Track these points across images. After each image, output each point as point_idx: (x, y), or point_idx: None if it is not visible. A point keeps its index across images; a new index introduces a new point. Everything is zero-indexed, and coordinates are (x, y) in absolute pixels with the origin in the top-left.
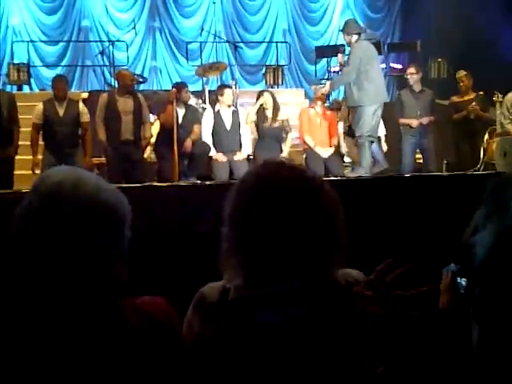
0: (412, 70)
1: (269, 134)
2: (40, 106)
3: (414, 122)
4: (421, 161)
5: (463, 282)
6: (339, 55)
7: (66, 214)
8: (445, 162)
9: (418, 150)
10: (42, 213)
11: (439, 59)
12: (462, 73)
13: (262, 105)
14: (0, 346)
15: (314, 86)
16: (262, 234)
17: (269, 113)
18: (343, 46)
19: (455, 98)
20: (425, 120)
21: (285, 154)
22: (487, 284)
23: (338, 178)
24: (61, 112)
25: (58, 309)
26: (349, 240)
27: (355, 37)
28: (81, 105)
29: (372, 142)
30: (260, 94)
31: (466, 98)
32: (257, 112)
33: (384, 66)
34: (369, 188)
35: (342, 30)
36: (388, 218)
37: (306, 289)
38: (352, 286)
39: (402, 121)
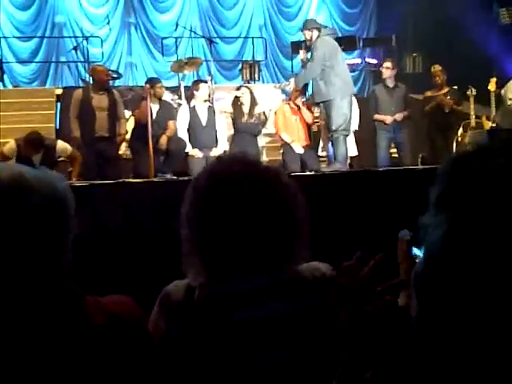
0: (387, 64)
1: (245, 129)
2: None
3: (388, 119)
4: (396, 155)
5: (418, 252)
6: (301, 52)
7: (30, 207)
8: (420, 155)
9: (393, 145)
10: None
11: (414, 54)
12: (437, 67)
13: (238, 99)
14: None
15: (279, 85)
16: (219, 231)
17: (245, 108)
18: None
19: (429, 93)
20: (398, 116)
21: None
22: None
23: (313, 172)
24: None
25: (14, 309)
26: (322, 234)
27: (316, 33)
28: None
29: (346, 135)
30: (238, 89)
31: (440, 92)
32: (232, 105)
33: (359, 60)
34: (344, 182)
35: (301, 29)
36: (362, 211)
37: (275, 285)
38: (319, 281)
39: (377, 117)
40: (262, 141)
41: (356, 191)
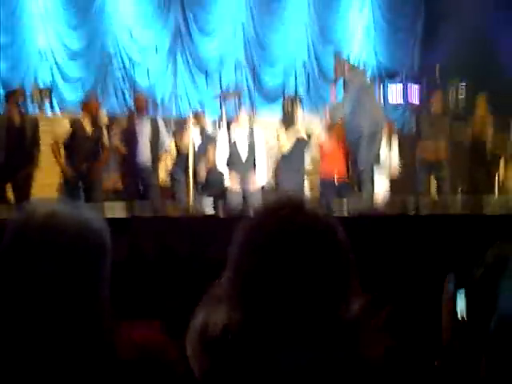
0: (434, 100)
1: (288, 158)
2: (66, 124)
3: (431, 153)
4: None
5: (462, 301)
6: (332, 87)
7: (62, 247)
8: (459, 189)
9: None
10: (13, 249)
11: (458, 83)
12: (480, 97)
13: (279, 129)
14: None
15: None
16: (263, 278)
17: (286, 138)
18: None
19: (472, 123)
20: (443, 152)
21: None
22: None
23: (351, 215)
24: (87, 131)
25: (48, 344)
26: (362, 278)
27: (347, 69)
28: (103, 125)
29: (372, 170)
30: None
31: (483, 122)
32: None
33: (402, 94)
34: (381, 226)
35: (333, 65)
36: (398, 256)
37: (316, 332)
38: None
39: (419, 150)
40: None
41: (395, 235)
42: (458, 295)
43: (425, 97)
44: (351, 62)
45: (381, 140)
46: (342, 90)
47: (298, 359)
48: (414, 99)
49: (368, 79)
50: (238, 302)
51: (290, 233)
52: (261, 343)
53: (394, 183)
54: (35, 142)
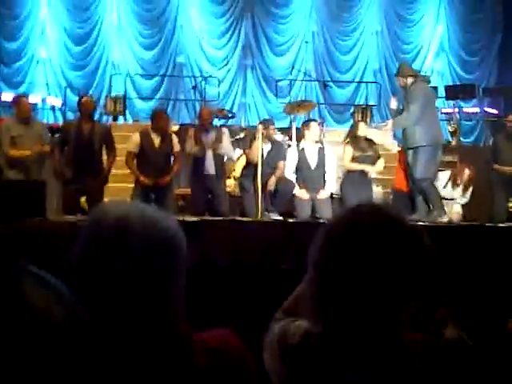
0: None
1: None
2: (137, 136)
3: (508, 169)
4: None
5: None
6: (392, 99)
7: (135, 249)
8: None
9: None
10: (109, 248)
11: None
12: None
13: (350, 139)
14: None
15: (375, 125)
16: (347, 282)
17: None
18: (435, 87)
19: None
20: None
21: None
22: None
23: (427, 223)
24: (156, 144)
25: (124, 349)
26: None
27: (410, 79)
28: (174, 136)
29: (432, 182)
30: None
31: None
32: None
33: (478, 110)
34: (458, 236)
35: (396, 75)
36: (476, 268)
37: (390, 350)
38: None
39: (496, 167)
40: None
41: (469, 246)
42: None
43: (502, 112)
44: (415, 72)
45: (440, 156)
46: (409, 98)
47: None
48: (491, 112)
49: (432, 91)
50: (318, 312)
51: (378, 239)
52: (338, 355)
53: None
54: (107, 151)
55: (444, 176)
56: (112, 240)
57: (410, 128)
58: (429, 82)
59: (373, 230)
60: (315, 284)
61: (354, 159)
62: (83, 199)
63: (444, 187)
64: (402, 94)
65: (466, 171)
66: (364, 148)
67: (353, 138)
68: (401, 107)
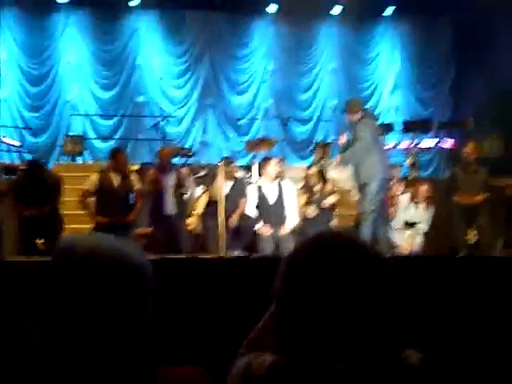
0: (468, 149)
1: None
2: (95, 176)
3: (468, 200)
4: (474, 238)
5: None
6: (340, 136)
7: (104, 280)
8: (501, 240)
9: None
10: (55, 281)
11: (493, 136)
12: None
13: (310, 177)
14: None
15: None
16: (311, 312)
17: (316, 189)
18: (392, 124)
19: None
20: (479, 198)
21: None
22: None
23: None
24: (115, 184)
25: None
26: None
27: (357, 116)
28: (134, 175)
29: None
30: (308, 168)
31: None
32: (304, 183)
33: (435, 143)
34: (418, 267)
35: (344, 111)
36: (437, 297)
37: (357, 377)
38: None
39: (456, 199)
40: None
41: (431, 276)
42: None
43: (458, 145)
44: (363, 108)
45: (385, 185)
46: (355, 134)
47: None
48: (447, 146)
49: (378, 127)
50: (283, 343)
51: (340, 265)
52: None
53: (428, 237)
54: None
55: (404, 198)
56: (81, 270)
57: (358, 164)
58: (377, 118)
59: (335, 256)
60: (278, 314)
61: (307, 203)
62: (40, 241)
63: (406, 209)
64: (350, 130)
65: (423, 187)
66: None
67: (306, 184)
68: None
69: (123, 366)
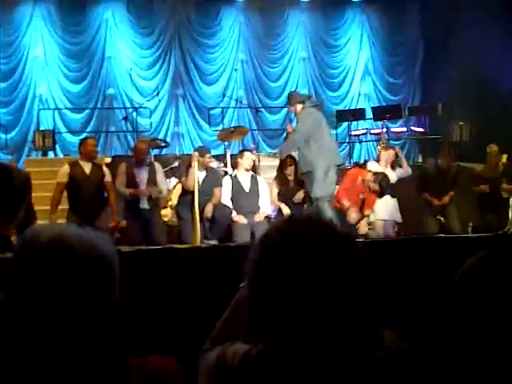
0: (443, 158)
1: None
2: (66, 166)
3: (436, 201)
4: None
5: None
6: (288, 125)
7: (70, 267)
8: (470, 224)
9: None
10: (40, 272)
11: (461, 122)
12: (493, 148)
13: (282, 166)
14: None
15: (270, 154)
16: (284, 294)
17: (290, 178)
18: (363, 109)
19: (482, 171)
20: (446, 199)
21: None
22: None
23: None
24: (87, 171)
25: (57, 370)
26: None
27: (299, 106)
28: (104, 167)
29: (329, 201)
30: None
31: (494, 174)
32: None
33: (405, 129)
34: (390, 249)
35: (286, 103)
36: (410, 279)
37: (334, 365)
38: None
39: (425, 196)
40: None
41: (404, 258)
42: None
43: (428, 130)
44: (303, 99)
45: (335, 172)
46: (296, 124)
47: None
48: (417, 131)
49: (321, 115)
50: (257, 330)
51: (312, 247)
52: (280, 375)
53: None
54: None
55: (375, 165)
56: (46, 258)
57: (300, 153)
58: (320, 106)
59: (306, 238)
60: (252, 299)
61: (279, 195)
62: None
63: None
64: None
65: (391, 151)
66: (289, 183)
67: (279, 174)
68: None
69: (93, 356)
